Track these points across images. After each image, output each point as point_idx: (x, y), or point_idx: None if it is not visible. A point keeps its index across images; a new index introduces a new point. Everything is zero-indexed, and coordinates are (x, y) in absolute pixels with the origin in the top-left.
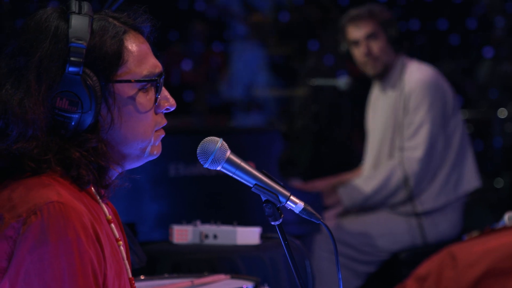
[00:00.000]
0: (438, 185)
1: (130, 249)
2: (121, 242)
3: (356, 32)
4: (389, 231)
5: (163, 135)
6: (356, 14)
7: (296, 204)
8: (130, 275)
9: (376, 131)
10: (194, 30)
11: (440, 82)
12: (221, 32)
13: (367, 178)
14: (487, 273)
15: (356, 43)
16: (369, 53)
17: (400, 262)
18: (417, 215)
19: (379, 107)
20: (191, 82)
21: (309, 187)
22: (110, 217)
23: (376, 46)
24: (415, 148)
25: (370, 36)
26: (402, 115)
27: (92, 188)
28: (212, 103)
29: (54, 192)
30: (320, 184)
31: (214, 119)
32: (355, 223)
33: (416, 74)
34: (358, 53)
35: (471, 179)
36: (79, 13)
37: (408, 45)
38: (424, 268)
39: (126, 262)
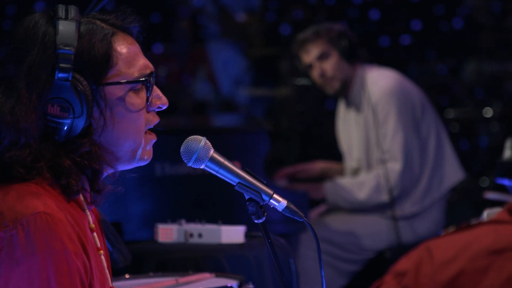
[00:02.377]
0: (422, 189)
1: (114, 247)
2: (102, 252)
3: (307, 56)
4: (374, 230)
5: (154, 140)
6: (303, 38)
7: (279, 202)
8: (111, 284)
9: (353, 146)
10: (179, 29)
11: (403, 85)
12: (201, 32)
13: (357, 184)
14: (463, 272)
15: (310, 66)
16: (323, 75)
17: (385, 260)
18: (403, 218)
19: (352, 121)
20: (176, 82)
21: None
22: (93, 226)
23: (329, 66)
24: (394, 159)
25: (321, 57)
26: (374, 128)
27: (81, 196)
28: (195, 103)
29: (41, 202)
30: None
31: (200, 118)
32: (340, 222)
33: (378, 83)
34: (314, 75)
35: (453, 174)
36: (66, 18)
37: (365, 52)
38: (403, 263)
39: (107, 271)
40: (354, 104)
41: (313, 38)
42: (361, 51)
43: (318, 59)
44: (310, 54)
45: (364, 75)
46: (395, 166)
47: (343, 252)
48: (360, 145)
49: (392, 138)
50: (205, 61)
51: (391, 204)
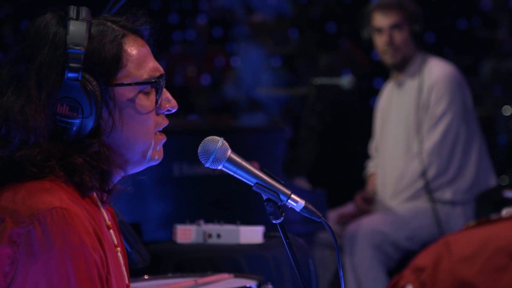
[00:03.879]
0: (468, 181)
1: (133, 248)
2: (119, 248)
3: (382, 20)
4: (425, 219)
5: (164, 140)
6: (386, 2)
7: (297, 203)
8: (127, 281)
9: (398, 128)
10: (198, 30)
11: (461, 79)
12: (224, 32)
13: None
14: (482, 269)
15: (379, 30)
16: (391, 42)
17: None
18: (452, 203)
19: (394, 104)
20: (194, 82)
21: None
22: (109, 223)
23: (399, 37)
24: (432, 138)
25: (394, 26)
26: (423, 110)
27: (94, 194)
28: (216, 103)
29: (56, 197)
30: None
31: (217, 119)
32: (392, 214)
33: (438, 68)
34: (380, 41)
35: (490, 177)
36: (77, 18)
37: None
38: (422, 258)
39: (124, 268)
40: (405, 83)
41: (395, 6)
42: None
43: (391, 27)
44: (386, 19)
45: (426, 60)
46: (429, 145)
47: (394, 245)
48: (410, 128)
49: (438, 120)
50: (227, 61)
51: (426, 185)
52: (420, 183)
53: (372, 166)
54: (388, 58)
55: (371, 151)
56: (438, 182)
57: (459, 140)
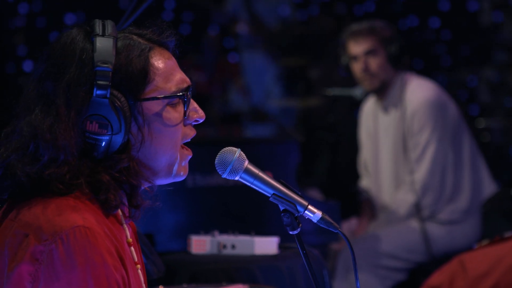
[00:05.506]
0: (465, 199)
1: (148, 259)
2: (139, 266)
3: (356, 47)
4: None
5: (190, 156)
6: (357, 29)
7: (314, 214)
8: None
9: (385, 153)
10: (207, 40)
11: (442, 98)
12: (236, 42)
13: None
14: (497, 285)
15: (355, 58)
16: (366, 69)
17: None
18: (451, 222)
19: (382, 127)
20: (206, 92)
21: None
22: (130, 240)
23: (374, 63)
24: (421, 169)
25: (369, 53)
26: (409, 137)
27: (119, 210)
28: (225, 113)
29: (80, 216)
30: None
31: (229, 129)
32: (389, 231)
33: (417, 93)
34: (357, 68)
35: (488, 185)
36: (103, 34)
37: (409, 61)
38: (436, 278)
39: (144, 285)
40: (388, 109)
41: (367, 32)
42: (406, 59)
43: (366, 54)
44: (360, 47)
45: (404, 83)
46: (420, 176)
47: (395, 261)
48: (398, 156)
49: (423, 149)
50: (237, 71)
51: (421, 214)
52: (414, 215)
53: (364, 190)
54: (366, 85)
55: (360, 169)
56: (432, 209)
57: (448, 164)
